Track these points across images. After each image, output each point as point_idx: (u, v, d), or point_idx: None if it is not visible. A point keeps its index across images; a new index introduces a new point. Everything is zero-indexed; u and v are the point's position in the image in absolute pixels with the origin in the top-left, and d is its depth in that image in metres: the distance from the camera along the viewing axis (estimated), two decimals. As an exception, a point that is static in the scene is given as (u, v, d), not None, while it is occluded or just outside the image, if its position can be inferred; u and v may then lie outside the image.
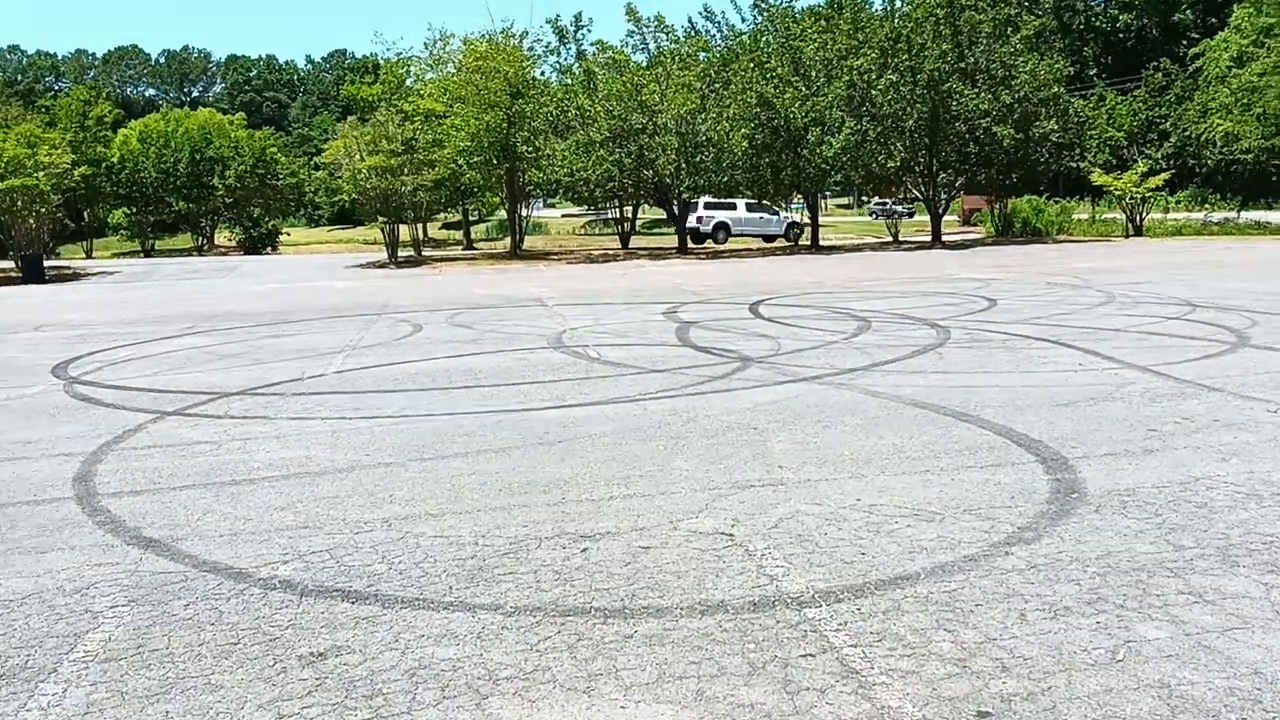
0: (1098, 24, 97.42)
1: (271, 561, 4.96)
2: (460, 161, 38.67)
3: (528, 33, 41.17)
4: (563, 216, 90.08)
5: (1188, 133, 39.44)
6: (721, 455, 6.72)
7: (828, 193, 44.91)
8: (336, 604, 4.40)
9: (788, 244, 44.39)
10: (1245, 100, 49.36)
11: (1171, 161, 39.28)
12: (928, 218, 39.86)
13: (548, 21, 39.80)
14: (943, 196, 39.30)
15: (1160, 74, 40.58)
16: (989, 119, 34.36)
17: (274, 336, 14.93)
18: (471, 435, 7.61)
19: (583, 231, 71.82)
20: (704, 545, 4.97)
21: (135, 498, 6.21)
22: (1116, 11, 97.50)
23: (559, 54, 40.17)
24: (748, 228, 45.78)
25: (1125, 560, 4.56)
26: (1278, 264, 22.77)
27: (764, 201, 43.38)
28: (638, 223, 55.39)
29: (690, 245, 40.43)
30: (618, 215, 47.50)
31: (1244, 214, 48.62)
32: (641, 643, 3.88)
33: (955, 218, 54.73)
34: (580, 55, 39.72)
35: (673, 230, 43.22)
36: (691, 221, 42.05)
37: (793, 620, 4.04)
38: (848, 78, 34.56)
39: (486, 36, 40.58)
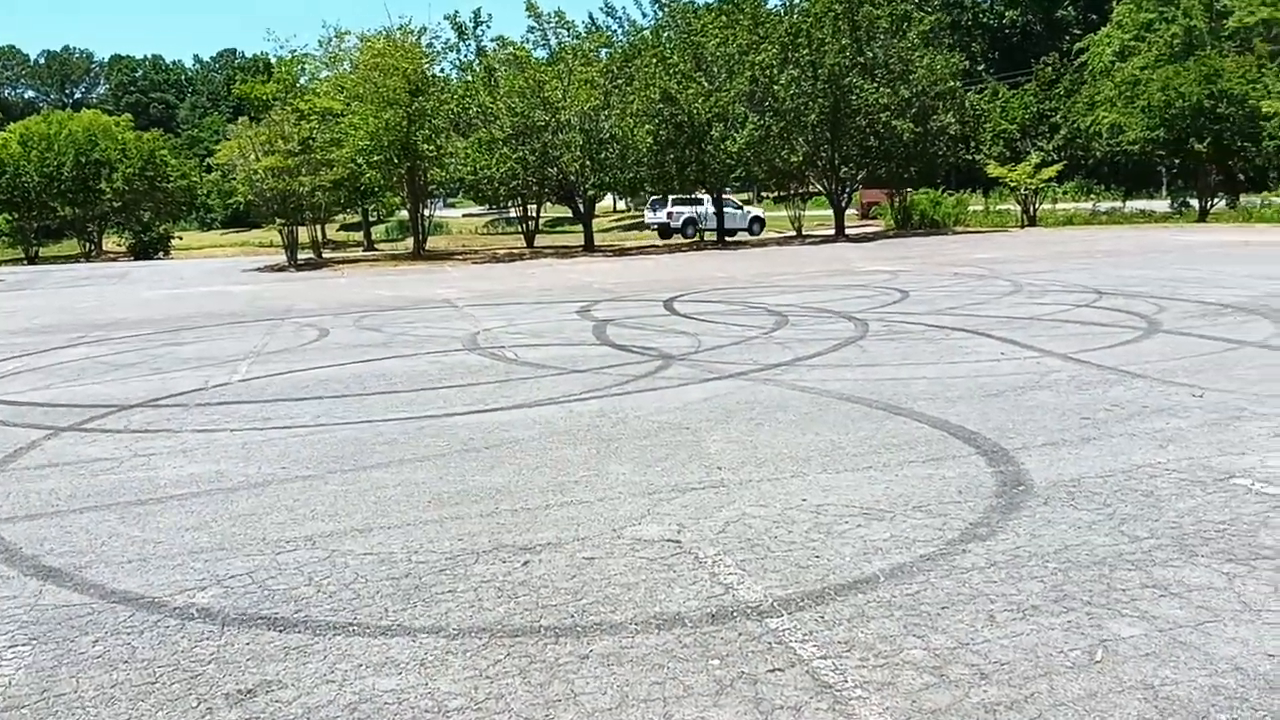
0: (985, 20, 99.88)
1: (187, 589, 4.59)
2: (359, 161, 37.77)
3: (426, 29, 40.52)
4: (464, 216, 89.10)
5: (1076, 125, 40.48)
6: (657, 457, 6.50)
7: (728, 189, 44.86)
8: (263, 633, 4.07)
9: (752, 238, 44.39)
10: (1128, 94, 50.99)
11: (1061, 153, 40.30)
12: (830, 211, 40.28)
13: (446, 18, 39.16)
14: (845, 190, 39.70)
15: (1050, 68, 41.57)
16: (888, 113, 34.82)
17: (172, 344, 14.27)
18: (393, 444, 7.27)
19: (485, 231, 71.07)
20: (651, 553, 4.75)
21: (31, 522, 5.74)
22: (1003, 8, 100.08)
23: (459, 51, 39.54)
24: (713, 223, 45.00)
25: (1084, 554, 4.47)
26: (1169, 251, 23.44)
27: (731, 197, 44.36)
28: (541, 221, 54.90)
29: (597, 244, 40.17)
30: (521, 214, 46.96)
31: (1129, 203, 50.27)
32: (598, 663, 3.64)
33: (854, 211, 55.42)
34: (480, 52, 39.14)
35: (578, 228, 42.93)
36: (661, 217, 42.47)
37: (755, 632, 3.84)
38: (750, 73, 34.67)
39: (384, 33, 39.76)
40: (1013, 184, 39.43)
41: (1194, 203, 42.59)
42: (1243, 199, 42.04)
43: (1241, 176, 44.15)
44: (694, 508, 5.40)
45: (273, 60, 47.71)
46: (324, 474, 6.49)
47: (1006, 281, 17.41)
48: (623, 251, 37.75)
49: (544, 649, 3.78)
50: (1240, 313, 12.14)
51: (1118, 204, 48.88)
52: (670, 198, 42.79)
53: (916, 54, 35.88)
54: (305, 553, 4.99)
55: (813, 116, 35.00)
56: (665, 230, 43.61)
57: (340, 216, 60.75)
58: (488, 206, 71.54)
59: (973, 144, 40.19)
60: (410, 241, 44.31)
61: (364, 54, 38.00)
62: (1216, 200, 39.75)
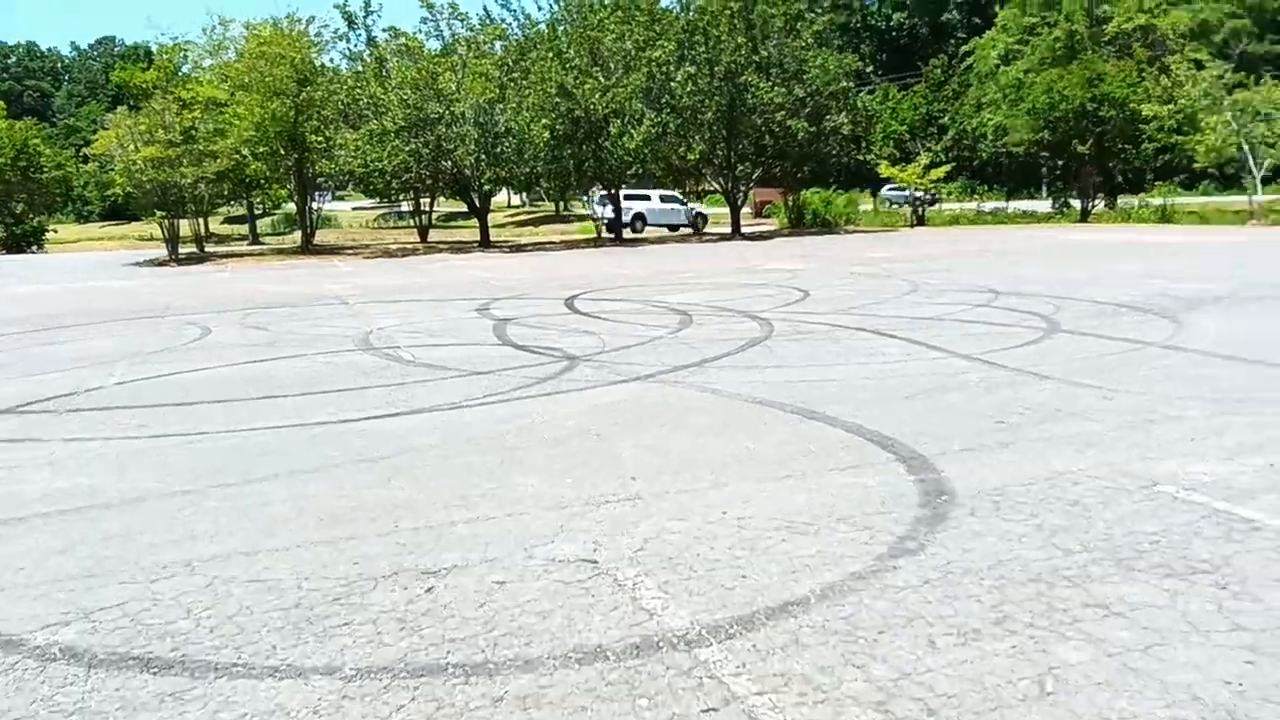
0: (874, 23, 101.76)
1: (50, 624, 4.10)
2: (244, 152, 36.48)
3: (315, 18, 39.26)
4: (353, 210, 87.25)
5: (964, 127, 41.39)
6: (568, 466, 6.17)
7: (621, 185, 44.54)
8: (135, 676, 3.62)
9: (695, 233, 43.91)
10: (1012, 96, 52.37)
11: (949, 154, 41.15)
12: (725, 209, 40.40)
13: (336, 6, 37.94)
14: (741, 189, 39.81)
15: (939, 70, 42.41)
16: (784, 112, 35.00)
17: (44, 344, 13.38)
18: (281, 454, 6.78)
19: (375, 225, 69.66)
20: (566, 576, 4.42)
21: None
22: (890, 10, 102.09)
23: (349, 40, 38.55)
24: (660, 218, 46.29)
25: (1019, 570, 4.29)
26: (1057, 250, 24.00)
27: (675, 193, 45.08)
28: (435, 216, 53.90)
29: (493, 239, 39.54)
30: (413, 208, 45.92)
31: (1011, 204, 51.66)
32: (515, 707, 3.30)
33: (748, 209, 55.81)
34: (371, 42, 38.24)
35: (473, 223, 42.22)
36: (608, 211, 42.01)
37: (684, 665, 3.54)
38: (647, 69, 34.48)
39: (270, 21, 38.54)
40: (904, 184, 40.07)
41: (1075, 203, 43.96)
42: (1120, 200, 43.47)
43: (1119, 178, 45.58)
44: (609, 523, 5.09)
45: (153, 48, 45.71)
46: (205, 488, 5.99)
47: (904, 281, 17.51)
48: (519, 248, 37.23)
49: (452, 691, 3.42)
50: (1136, 312, 12.33)
51: (1001, 204, 50.21)
52: (623, 193, 42.72)
53: (810, 54, 36.16)
54: (183, 580, 4.53)
55: (710, 114, 35.00)
56: (613, 225, 43.08)
57: (224, 209, 58.73)
58: (378, 200, 70.18)
59: (864, 144, 40.74)
60: (298, 235, 43.03)
61: (250, 42, 36.78)
62: (1096, 201, 40.98)
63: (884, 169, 39.81)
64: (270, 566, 4.66)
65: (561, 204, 78.17)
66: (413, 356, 11.05)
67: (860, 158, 40.76)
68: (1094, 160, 38.48)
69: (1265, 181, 33.60)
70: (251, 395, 9.08)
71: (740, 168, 38.30)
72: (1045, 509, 5.05)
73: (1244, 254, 21.42)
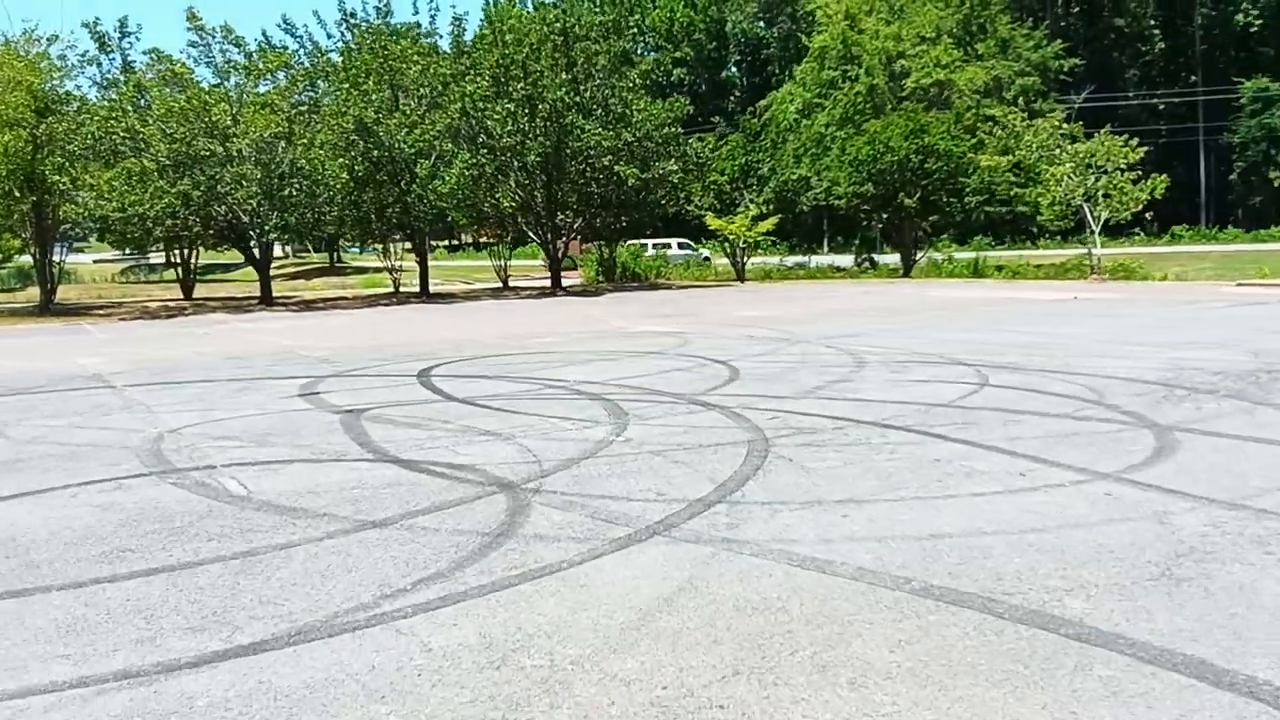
0: (655, 78, 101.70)
1: None
2: (-35, 194, 30.23)
3: (58, 37, 33.38)
4: (95, 262, 79.06)
5: (785, 178, 39.73)
6: None
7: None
8: None
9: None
10: (812, 150, 51.77)
11: (770, 206, 39.32)
12: (534, 262, 37.07)
13: (84, 25, 32.31)
14: (563, 239, 36.46)
15: (756, 120, 40.75)
16: (611, 157, 32.04)
17: None
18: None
19: (124, 280, 62.34)
20: None
21: None
22: (671, 66, 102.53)
23: (100, 65, 32.90)
24: (678, 264, 47.94)
25: None
26: (938, 309, 21.93)
27: (689, 241, 47.86)
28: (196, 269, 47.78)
29: (275, 295, 34.53)
30: (167, 260, 39.94)
31: (814, 258, 50.75)
32: None
33: (541, 262, 52.57)
34: (128, 67, 32.77)
35: (240, 276, 37.07)
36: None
37: None
38: (459, 104, 30.75)
39: (1, 40, 32.55)
40: (733, 236, 37.86)
41: (884, 259, 43.07)
42: (922, 254, 42.64)
43: (924, 231, 44.98)
44: None
45: None
46: None
47: (827, 348, 14.59)
48: (309, 305, 32.43)
49: None
50: (1202, 395, 9.75)
51: (804, 259, 49.14)
52: (650, 242, 44.34)
53: (634, 95, 33.49)
54: None
55: (532, 156, 31.57)
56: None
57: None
58: (125, 251, 63.17)
59: (682, 195, 38.37)
60: (34, 292, 36.59)
61: (-27, 62, 30.64)
62: (919, 255, 40.03)
63: (710, 220, 37.43)
64: None
65: (335, 255, 72.85)
66: (246, 488, 7.05)
67: (685, 208, 38.20)
68: (920, 213, 37.43)
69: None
70: (-32, 597, 4.94)
71: (560, 216, 35.00)
72: None
73: (1172, 314, 19.82)
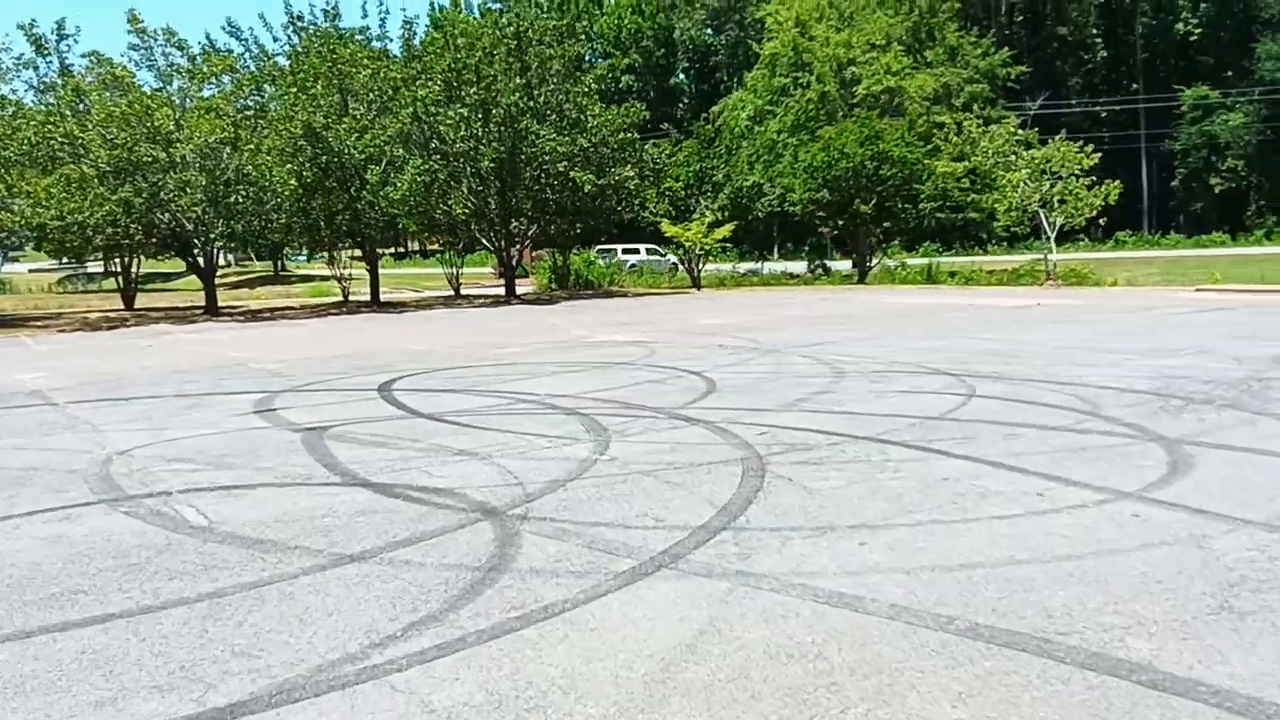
0: (604, 86, 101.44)
1: None
2: (-108, 200, 28.99)
3: (-11, 39, 32.24)
4: (31, 272, 77.29)
5: (739, 185, 39.47)
6: None
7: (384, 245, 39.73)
8: None
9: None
10: (765, 157, 51.62)
11: (726, 212, 39.03)
12: (482, 269, 36.46)
13: (19, 27, 31.20)
14: (517, 246, 35.86)
15: (710, 126, 40.46)
16: (566, 163, 31.53)
17: None
18: None
19: (61, 290, 60.73)
20: None
21: None
22: (620, 73, 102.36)
23: (37, 68, 31.78)
24: (653, 269, 48.15)
25: None
26: (900, 316, 21.72)
27: (658, 247, 46.47)
28: (138, 277, 46.44)
29: (221, 304, 33.56)
30: (110, 268, 38.75)
31: (766, 265, 50.62)
32: None
33: (491, 270, 51.95)
34: (66, 71, 31.70)
35: (181, 285, 36.06)
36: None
37: None
38: (410, 109, 30.09)
39: (-72, 41, 31.35)
40: (688, 243, 37.50)
41: (835, 265, 43.04)
42: (883, 260, 42.77)
43: (878, 238, 45.12)
44: None
45: None
46: None
47: (801, 357, 14.25)
48: (256, 315, 31.54)
49: None
50: (1197, 405, 9.52)
51: (756, 265, 48.97)
52: (620, 247, 44.10)
53: (589, 100, 33.04)
54: None
55: (486, 162, 30.97)
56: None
57: None
58: (62, 260, 61.65)
59: (638, 201, 37.98)
60: (-33, 303, 35.31)
61: (-100, 64, 29.46)
62: (874, 262, 39.99)
63: (665, 227, 37.02)
64: None
65: (279, 263, 71.65)
66: (205, 517, 6.51)
67: (635, 214, 37.76)
68: (875, 220, 37.35)
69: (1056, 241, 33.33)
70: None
71: (515, 223, 34.41)
72: None
73: (1125, 319, 19.75)
